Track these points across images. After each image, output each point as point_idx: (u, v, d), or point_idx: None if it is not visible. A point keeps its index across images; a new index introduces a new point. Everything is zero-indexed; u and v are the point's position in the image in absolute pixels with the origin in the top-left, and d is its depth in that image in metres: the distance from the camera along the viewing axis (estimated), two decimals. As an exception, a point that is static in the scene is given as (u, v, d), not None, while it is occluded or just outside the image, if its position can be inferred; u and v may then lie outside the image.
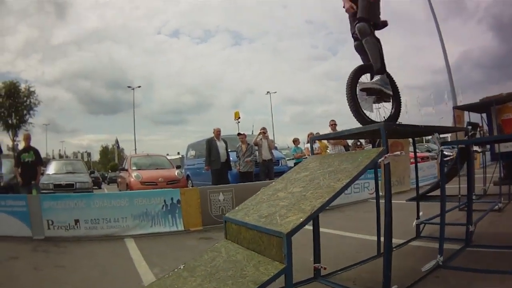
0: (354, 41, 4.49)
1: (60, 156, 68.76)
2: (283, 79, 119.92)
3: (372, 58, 4.23)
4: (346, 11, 4.40)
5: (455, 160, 6.43)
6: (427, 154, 18.89)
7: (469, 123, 6.87)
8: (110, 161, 66.69)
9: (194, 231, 8.13)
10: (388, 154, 3.53)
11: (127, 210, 8.07)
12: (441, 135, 4.85)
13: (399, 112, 4.47)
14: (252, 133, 16.87)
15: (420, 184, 6.06)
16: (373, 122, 4.21)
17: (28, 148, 10.15)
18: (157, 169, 14.21)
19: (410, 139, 5.86)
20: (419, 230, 5.73)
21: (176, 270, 3.50)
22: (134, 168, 14.13)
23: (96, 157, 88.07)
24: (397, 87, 4.53)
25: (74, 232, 7.75)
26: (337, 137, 5.57)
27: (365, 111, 4.22)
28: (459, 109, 9.63)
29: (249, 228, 3.28)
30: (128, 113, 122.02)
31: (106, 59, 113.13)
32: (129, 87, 55.46)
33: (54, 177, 13.49)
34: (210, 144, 11.93)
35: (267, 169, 11.86)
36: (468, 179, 5.22)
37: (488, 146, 8.85)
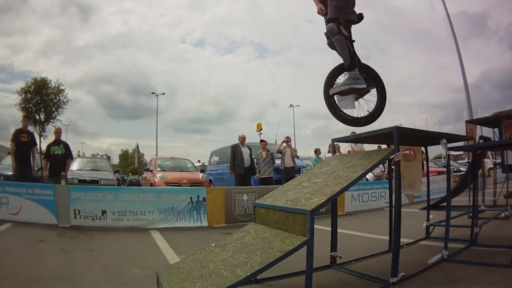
0: (327, 39, 4.67)
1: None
2: (306, 93, 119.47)
3: (341, 56, 4.49)
4: (318, 13, 4.64)
5: (466, 173, 6.79)
6: (443, 169, 19.19)
7: (481, 137, 7.17)
8: (130, 165, 67.40)
9: (217, 227, 8.59)
10: (399, 153, 4.08)
11: (154, 204, 8.57)
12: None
13: (385, 101, 4.70)
14: (275, 142, 17.31)
15: (436, 196, 6.52)
16: (354, 119, 4.61)
17: (59, 142, 10.48)
18: (181, 171, 14.68)
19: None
20: (428, 231, 6.20)
21: (207, 247, 3.96)
22: (159, 169, 14.61)
23: (115, 160, 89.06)
24: (379, 77, 4.73)
25: (101, 223, 8.22)
26: (355, 139, 5.94)
27: (345, 110, 4.62)
28: (471, 123, 9.90)
29: (277, 210, 3.80)
30: (149, 119, 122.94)
31: (129, 64, 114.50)
32: (153, 93, 55.86)
33: (79, 173, 13.69)
34: (235, 150, 12.45)
35: (289, 176, 12.21)
36: (473, 187, 5.84)
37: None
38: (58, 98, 29.38)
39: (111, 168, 17.22)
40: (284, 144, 13.03)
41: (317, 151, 15.12)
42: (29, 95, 28.54)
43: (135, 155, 68.94)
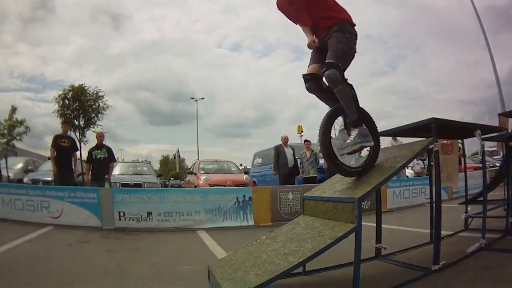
0: (305, 82, 4.19)
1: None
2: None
3: (346, 110, 3.95)
4: (308, 46, 4.13)
5: (501, 167, 6.85)
6: (480, 165, 19.11)
7: None
8: (171, 170, 68.14)
9: (264, 226, 8.83)
10: (437, 143, 4.25)
11: (200, 205, 8.93)
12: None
13: (377, 154, 4.29)
14: (317, 142, 17.39)
15: (474, 191, 6.77)
16: (352, 169, 4.16)
17: (101, 146, 10.79)
18: (225, 173, 14.90)
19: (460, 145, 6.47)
20: (467, 223, 6.37)
21: (258, 240, 4.18)
22: (203, 172, 14.92)
23: (156, 166, 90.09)
24: (375, 126, 4.28)
25: (146, 224, 8.60)
26: (395, 133, 6.01)
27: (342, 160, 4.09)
28: (503, 115, 9.87)
29: (325, 201, 4.05)
30: (188, 125, 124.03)
31: (166, 71, 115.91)
32: (192, 98, 56.45)
33: (121, 177, 13.91)
34: (278, 150, 12.72)
35: (332, 175, 12.25)
36: (507, 179, 5.96)
37: None
38: (97, 104, 30.02)
39: (154, 171, 17.61)
40: (327, 143, 13.08)
41: (358, 150, 15.25)
42: (67, 102, 29.23)
43: (176, 161, 69.64)
